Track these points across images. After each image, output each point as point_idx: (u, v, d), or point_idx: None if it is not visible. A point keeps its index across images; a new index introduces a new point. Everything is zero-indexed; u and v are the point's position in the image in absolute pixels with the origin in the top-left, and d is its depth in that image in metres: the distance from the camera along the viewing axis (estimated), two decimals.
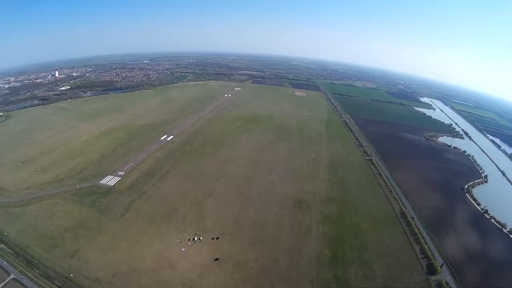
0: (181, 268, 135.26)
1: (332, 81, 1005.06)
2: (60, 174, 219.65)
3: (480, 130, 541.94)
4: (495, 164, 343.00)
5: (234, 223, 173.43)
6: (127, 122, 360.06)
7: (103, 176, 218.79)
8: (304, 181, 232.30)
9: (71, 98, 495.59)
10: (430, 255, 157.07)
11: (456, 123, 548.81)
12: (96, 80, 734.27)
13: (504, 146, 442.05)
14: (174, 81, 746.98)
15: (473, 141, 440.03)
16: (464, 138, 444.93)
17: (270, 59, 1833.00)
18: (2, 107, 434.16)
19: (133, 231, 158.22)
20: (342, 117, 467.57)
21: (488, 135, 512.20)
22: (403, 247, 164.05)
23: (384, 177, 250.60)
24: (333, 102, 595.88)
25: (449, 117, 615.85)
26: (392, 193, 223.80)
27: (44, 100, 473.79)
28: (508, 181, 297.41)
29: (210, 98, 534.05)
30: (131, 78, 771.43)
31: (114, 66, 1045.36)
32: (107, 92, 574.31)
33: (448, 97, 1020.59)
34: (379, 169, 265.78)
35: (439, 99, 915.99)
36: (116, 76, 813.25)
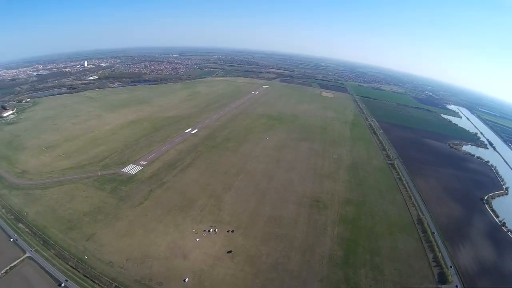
0: (194, 258, 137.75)
1: (360, 84, 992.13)
2: (83, 160, 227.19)
3: (505, 141, 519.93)
4: None
5: (251, 217, 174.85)
6: (153, 114, 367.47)
7: (125, 164, 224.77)
8: (323, 181, 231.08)
9: (98, 88, 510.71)
10: (443, 264, 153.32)
11: (481, 132, 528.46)
12: (124, 71, 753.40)
13: None
14: (203, 76, 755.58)
15: (497, 151, 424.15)
16: (488, 148, 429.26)
17: (300, 59, 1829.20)
18: (29, 93, 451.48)
19: (150, 219, 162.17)
20: (367, 120, 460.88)
21: None
22: (416, 254, 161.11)
23: (404, 182, 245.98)
24: (360, 105, 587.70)
25: (475, 126, 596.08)
26: (411, 199, 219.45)
27: (72, 89, 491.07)
28: None
29: (238, 94, 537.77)
30: (159, 71, 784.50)
31: (143, 59, 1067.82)
32: (135, 83, 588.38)
33: (475, 105, 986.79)
34: (400, 174, 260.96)
35: (466, 107, 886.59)
36: (144, 68, 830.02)
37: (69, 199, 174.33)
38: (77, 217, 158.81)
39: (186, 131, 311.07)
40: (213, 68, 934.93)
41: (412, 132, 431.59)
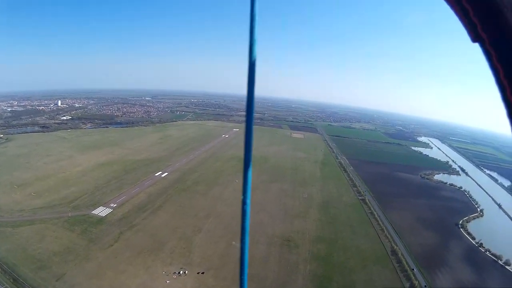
0: None
1: (330, 123, 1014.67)
2: (54, 200, 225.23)
3: (477, 166, 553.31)
4: (491, 197, 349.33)
5: (221, 259, 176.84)
6: (124, 156, 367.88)
7: (96, 206, 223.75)
8: (294, 221, 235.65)
9: (71, 128, 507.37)
10: None
11: (453, 160, 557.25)
12: (97, 112, 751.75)
13: (501, 180, 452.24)
14: (174, 119, 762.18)
15: (469, 176, 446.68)
16: (460, 175, 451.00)
17: (270, 101, 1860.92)
18: (3, 129, 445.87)
19: (119, 261, 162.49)
20: (337, 158, 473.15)
21: (486, 170, 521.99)
22: (392, 284, 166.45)
23: (376, 216, 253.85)
24: (330, 144, 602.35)
25: (446, 155, 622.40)
26: (384, 232, 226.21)
27: (45, 128, 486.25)
28: (504, 213, 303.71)
29: (208, 138, 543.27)
30: (131, 114, 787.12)
31: (116, 101, 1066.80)
32: (107, 125, 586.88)
33: (447, 135, 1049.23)
34: (372, 208, 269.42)
35: (437, 138, 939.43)
36: (117, 110, 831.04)
37: (40, 239, 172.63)
38: (47, 256, 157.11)
39: (156, 174, 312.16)
40: (184, 111, 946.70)
41: (383, 167, 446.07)
